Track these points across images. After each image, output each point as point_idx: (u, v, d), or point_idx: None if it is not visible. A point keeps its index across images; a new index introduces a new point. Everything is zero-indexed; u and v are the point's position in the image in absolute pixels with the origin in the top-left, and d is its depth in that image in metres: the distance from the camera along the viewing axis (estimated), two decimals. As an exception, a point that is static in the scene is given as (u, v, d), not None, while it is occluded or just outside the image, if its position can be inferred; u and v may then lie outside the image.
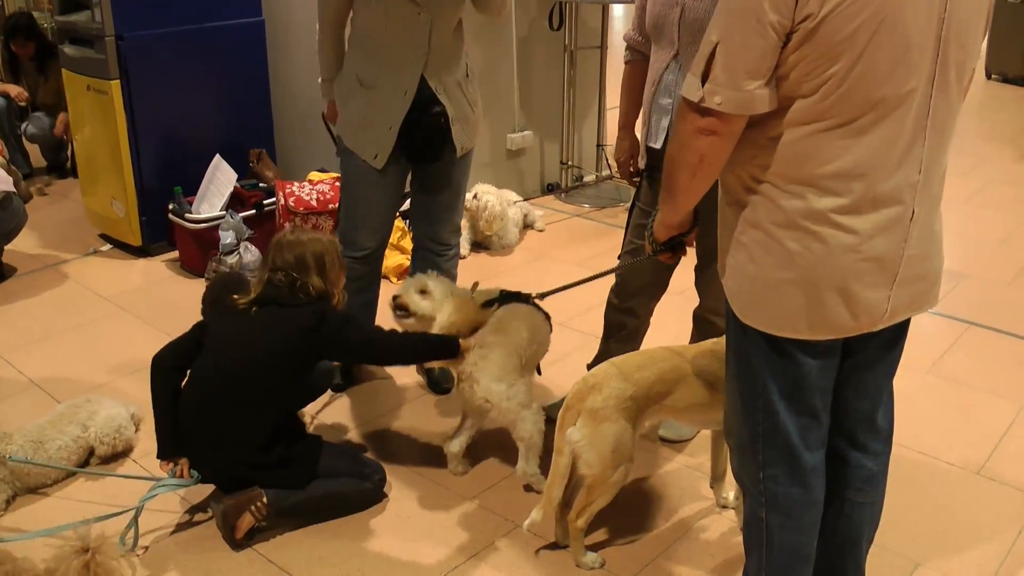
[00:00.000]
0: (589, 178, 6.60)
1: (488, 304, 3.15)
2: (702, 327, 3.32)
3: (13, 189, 4.86)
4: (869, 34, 1.74)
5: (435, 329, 3.06)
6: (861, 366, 2.17)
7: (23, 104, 6.58)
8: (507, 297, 3.18)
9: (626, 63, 3.22)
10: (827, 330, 2.00)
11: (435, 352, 3.11)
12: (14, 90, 6.53)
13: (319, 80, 3.59)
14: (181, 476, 2.92)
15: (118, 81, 4.84)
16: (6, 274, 4.99)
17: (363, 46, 3.33)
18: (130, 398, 3.53)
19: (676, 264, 2.58)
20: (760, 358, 2.08)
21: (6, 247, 5.01)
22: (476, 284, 3.26)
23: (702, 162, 1.93)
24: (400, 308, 3.14)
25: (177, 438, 2.92)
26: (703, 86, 1.84)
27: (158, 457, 2.94)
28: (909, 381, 3.77)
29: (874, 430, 2.26)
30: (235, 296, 2.96)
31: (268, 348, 2.87)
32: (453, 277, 3.79)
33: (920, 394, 3.77)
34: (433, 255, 3.71)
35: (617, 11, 5.98)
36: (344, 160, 3.50)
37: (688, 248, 2.43)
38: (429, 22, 3.21)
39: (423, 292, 3.13)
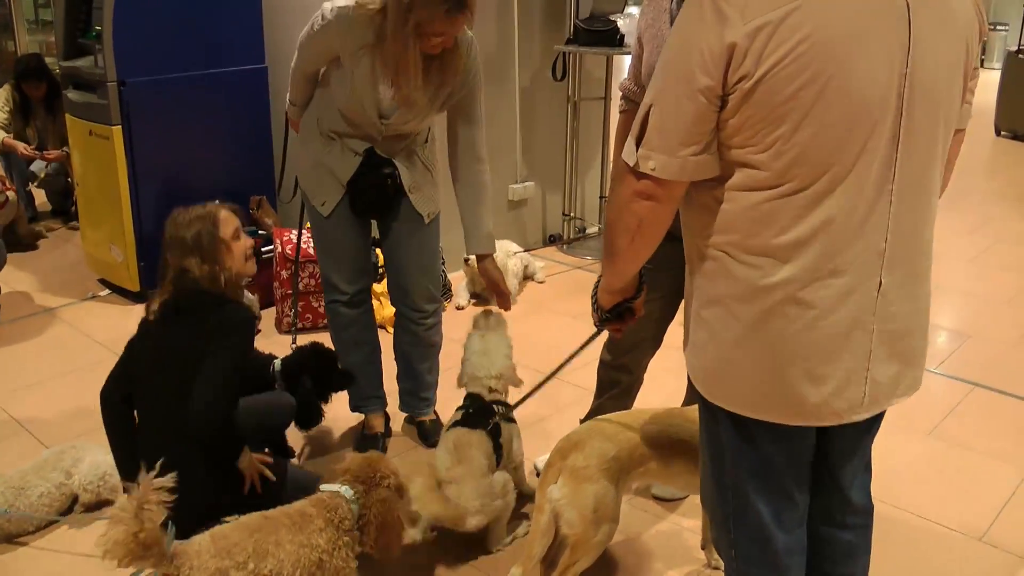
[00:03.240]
0: (592, 230, 6.58)
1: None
2: (697, 383, 3.24)
3: None
4: (815, 94, 1.62)
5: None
6: (836, 453, 2.05)
7: (29, 156, 6.59)
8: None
9: (621, 112, 3.17)
10: (793, 414, 1.85)
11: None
12: (20, 147, 6.52)
13: (287, 99, 3.55)
14: None
15: (120, 127, 4.85)
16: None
17: (327, 101, 3.31)
18: (116, 445, 3.47)
19: (621, 334, 2.47)
20: (727, 437, 1.97)
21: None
22: None
23: (641, 226, 1.83)
24: None
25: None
26: (638, 150, 1.76)
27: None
28: (910, 443, 3.70)
29: (851, 508, 2.14)
30: (148, 306, 2.79)
31: (181, 366, 2.63)
32: (436, 346, 3.66)
33: (921, 457, 3.66)
34: (410, 323, 3.57)
35: (622, 62, 5.98)
36: (304, 202, 3.48)
37: (636, 315, 2.33)
38: (384, 130, 3.23)
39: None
